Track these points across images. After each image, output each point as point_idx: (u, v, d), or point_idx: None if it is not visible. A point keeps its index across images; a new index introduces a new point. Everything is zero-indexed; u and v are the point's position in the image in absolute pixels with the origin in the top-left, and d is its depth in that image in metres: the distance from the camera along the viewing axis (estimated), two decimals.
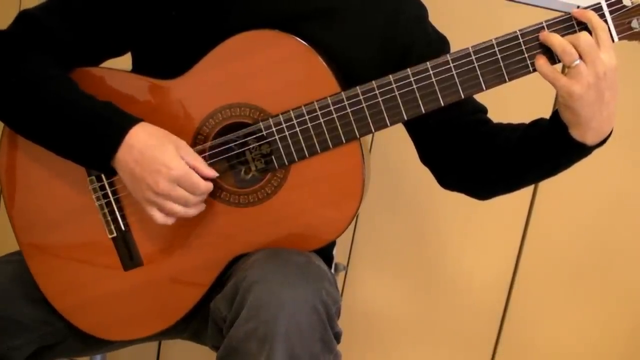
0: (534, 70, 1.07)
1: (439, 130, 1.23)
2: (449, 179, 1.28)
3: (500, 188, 1.24)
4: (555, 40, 1.04)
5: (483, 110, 1.26)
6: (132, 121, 1.10)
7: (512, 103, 1.62)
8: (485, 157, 1.20)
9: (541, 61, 1.06)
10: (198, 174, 1.10)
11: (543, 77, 1.06)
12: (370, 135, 1.74)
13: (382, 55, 1.19)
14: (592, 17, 1.03)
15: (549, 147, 1.13)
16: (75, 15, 1.16)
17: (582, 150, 1.10)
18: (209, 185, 1.11)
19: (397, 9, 1.20)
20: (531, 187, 1.76)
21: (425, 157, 1.28)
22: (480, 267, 1.82)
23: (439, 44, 1.24)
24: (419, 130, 1.26)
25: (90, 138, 1.10)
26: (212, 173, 1.12)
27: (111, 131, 1.09)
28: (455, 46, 1.10)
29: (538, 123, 1.17)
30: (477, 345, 1.86)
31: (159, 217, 1.11)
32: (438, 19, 1.28)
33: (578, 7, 1.07)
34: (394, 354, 1.89)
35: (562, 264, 1.80)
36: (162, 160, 1.07)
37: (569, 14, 1.05)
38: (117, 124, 1.10)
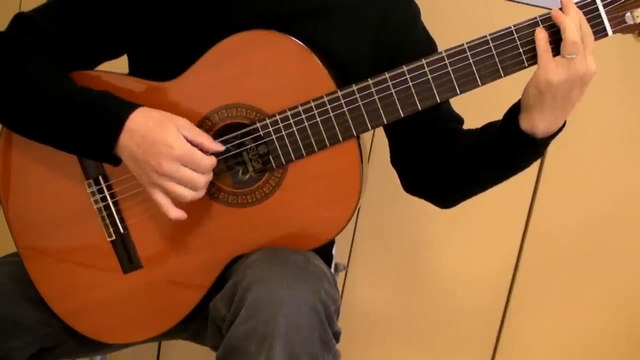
0: (529, 64, 1.07)
1: (410, 134, 1.23)
2: (412, 183, 1.28)
3: (459, 192, 1.25)
4: (569, 26, 1.03)
5: (458, 120, 1.25)
6: (131, 107, 1.10)
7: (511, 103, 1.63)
8: (445, 165, 1.21)
9: (542, 35, 1.05)
10: (203, 149, 1.09)
11: (537, 49, 1.05)
12: (371, 134, 1.74)
13: (374, 53, 1.19)
14: (565, 22, 1.03)
15: (499, 142, 1.13)
16: (71, 18, 1.17)
17: (531, 143, 1.10)
18: (213, 161, 1.10)
19: (391, 7, 1.20)
20: (531, 186, 1.76)
21: (394, 159, 1.29)
22: (480, 267, 1.82)
23: (428, 45, 1.23)
24: (394, 131, 1.26)
25: (91, 128, 1.10)
26: (217, 147, 1.11)
27: (111, 119, 1.09)
28: (452, 44, 1.10)
29: (492, 124, 1.17)
30: (477, 345, 1.86)
31: (165, 203, 1.10)
32: (435, 17, 1.28)
33: (577, 4, 1.06)
34: (394, 354, 1.88)
35: (562, 264, 1.80)
36: (163, 141, 1.07)
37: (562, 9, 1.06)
38: (116, 111, 1.10)
